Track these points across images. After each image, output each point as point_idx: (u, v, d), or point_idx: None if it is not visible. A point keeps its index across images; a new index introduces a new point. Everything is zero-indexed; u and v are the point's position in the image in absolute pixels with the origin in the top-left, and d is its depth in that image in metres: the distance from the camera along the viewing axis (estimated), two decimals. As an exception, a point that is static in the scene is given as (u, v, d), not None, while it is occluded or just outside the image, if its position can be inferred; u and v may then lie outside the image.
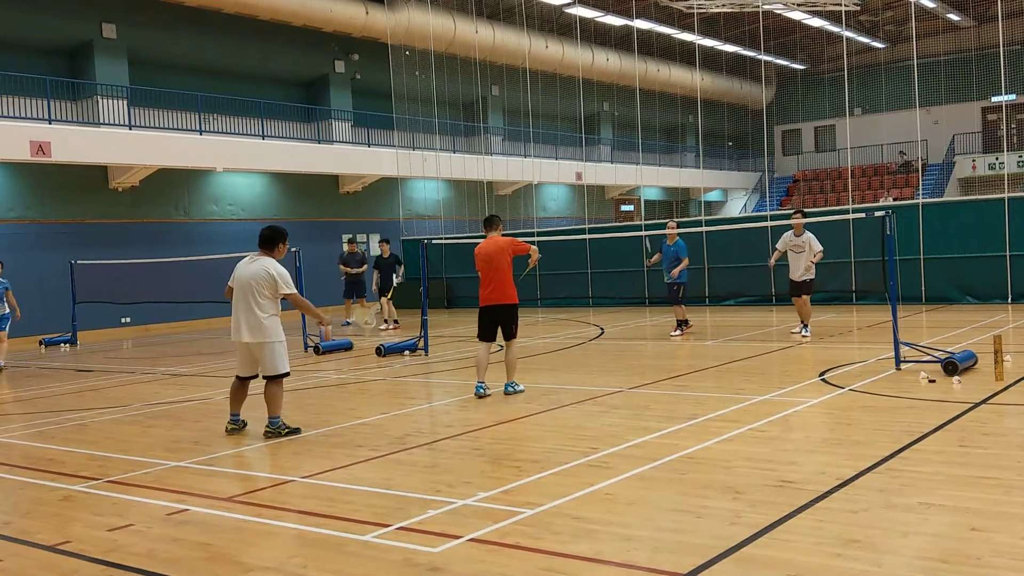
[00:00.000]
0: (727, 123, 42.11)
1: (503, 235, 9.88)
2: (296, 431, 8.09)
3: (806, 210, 16.53)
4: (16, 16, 21.51)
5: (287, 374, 8.10)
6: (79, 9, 22.76)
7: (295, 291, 8.13)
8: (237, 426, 8.33)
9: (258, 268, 7.96)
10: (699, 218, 29.60)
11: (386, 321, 19.42)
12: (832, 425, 7.43)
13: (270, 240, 8.15)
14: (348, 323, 20.69)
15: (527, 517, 5.17)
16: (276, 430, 7.99)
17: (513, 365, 9.65)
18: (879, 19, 39.82)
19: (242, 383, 8.29)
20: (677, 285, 14.50)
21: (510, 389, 9.61)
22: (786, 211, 28.68)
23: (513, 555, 4.59)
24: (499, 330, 9.65)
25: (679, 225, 14.93)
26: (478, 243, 9.88)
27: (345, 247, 21.85)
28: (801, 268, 13.56)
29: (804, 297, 13.61)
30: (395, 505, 5.65)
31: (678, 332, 14.69)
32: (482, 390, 9.47)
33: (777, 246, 14.12)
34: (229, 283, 8.17)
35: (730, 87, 42.10)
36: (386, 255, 19.28)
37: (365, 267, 20.66)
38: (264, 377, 8.04)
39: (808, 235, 13.61)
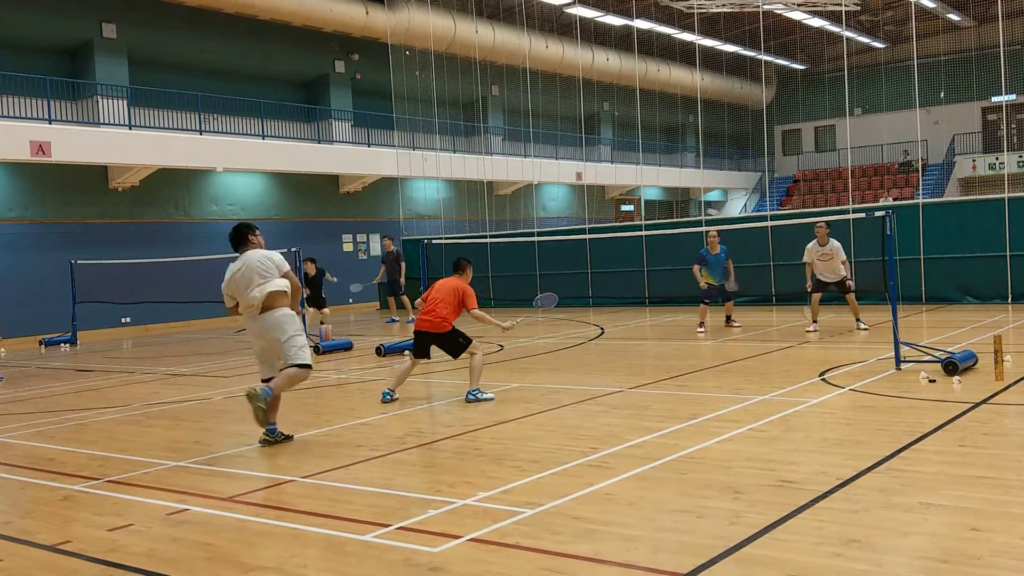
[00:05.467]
0: (727, 123, 42.10)
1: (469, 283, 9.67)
2: (289, 438, 7.75)
3: (800, 210, 16.64)
4: (16, 16, 21.51)
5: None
6: (79, 9, 22.76)
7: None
8: (275, 439, 7.68)
9: (258, 258, 7.51)
10: (699, 218, 29.60)
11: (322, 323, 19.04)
12: (832, 425, 7.43)
13: (243, 236, 7.72)
14: (394, 320, 21.20)
15: (527, 517, 5.17)
16: (273, 439, 7.62)
17: (476, 372, 9.29)
18: (879, 19, 39.82)
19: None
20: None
21: (471, 397, 9.21)
22: (785, 211, 28.75)
23: (513, 555, 4.59)
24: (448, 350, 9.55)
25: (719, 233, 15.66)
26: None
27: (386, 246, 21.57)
28: (841, 270, 13.93)
29: (851, 295, 14.13)
30: (395, 505, 5.66)
31: (739, 325, 15.72)
32: (387, 396, 9.47)
33: (806, 260, 14.28)
34: (227, 292, 7.62)
35: (730, 87, 42.08)
36: (311, 273, 17.32)
37: (400, 265, 20.80)
38: (289, 366, 7.44)
39: (835, 243, 14.01)
